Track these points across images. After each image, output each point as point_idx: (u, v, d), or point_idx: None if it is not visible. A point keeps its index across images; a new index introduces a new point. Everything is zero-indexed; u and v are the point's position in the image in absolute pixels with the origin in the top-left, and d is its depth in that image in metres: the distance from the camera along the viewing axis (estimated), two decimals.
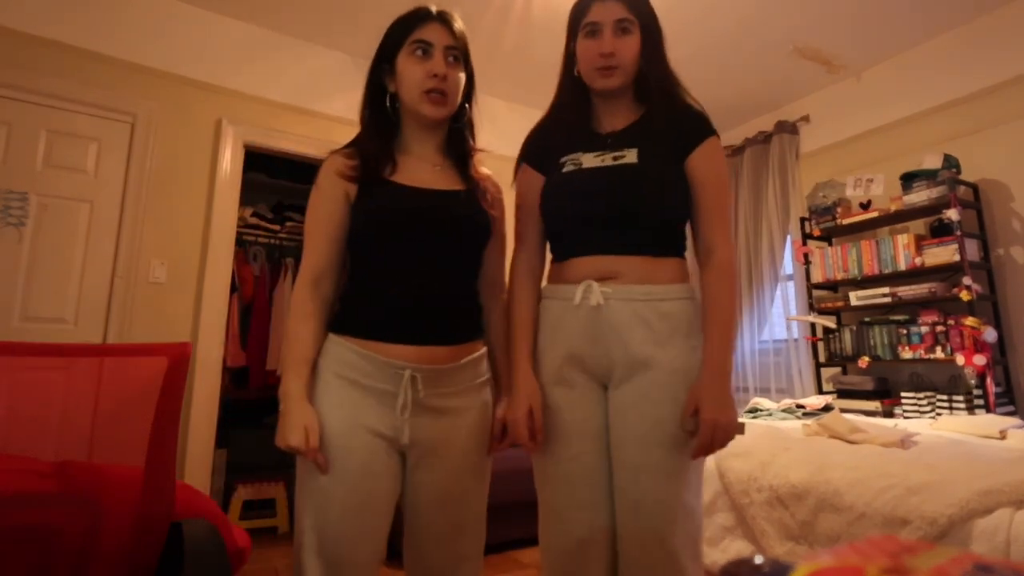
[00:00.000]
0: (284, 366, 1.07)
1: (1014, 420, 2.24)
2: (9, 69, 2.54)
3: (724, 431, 1.03)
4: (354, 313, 1.11)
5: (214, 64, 3.01)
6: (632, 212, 1.13)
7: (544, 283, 1.25)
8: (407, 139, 1.20)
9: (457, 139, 1.23)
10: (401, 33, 1.15)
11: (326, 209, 1.13)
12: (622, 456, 1.09)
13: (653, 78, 1.19)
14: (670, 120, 1.18)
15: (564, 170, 1.19)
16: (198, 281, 2.86)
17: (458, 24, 1.18)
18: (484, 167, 1.26)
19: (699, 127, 1.18)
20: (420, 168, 1.17)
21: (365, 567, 1.04)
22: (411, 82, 1.14)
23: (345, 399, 1.05)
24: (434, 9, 1.17)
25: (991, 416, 2.37)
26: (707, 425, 1.02)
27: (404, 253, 1.11)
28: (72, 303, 2.60)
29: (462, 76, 1.18)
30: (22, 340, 2.40)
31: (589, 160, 1.17)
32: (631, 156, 1.15)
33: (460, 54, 1.18)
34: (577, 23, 1.20)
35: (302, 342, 1.07)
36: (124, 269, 2.69)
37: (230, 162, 2.99)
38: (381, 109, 1.18)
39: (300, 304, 1.09)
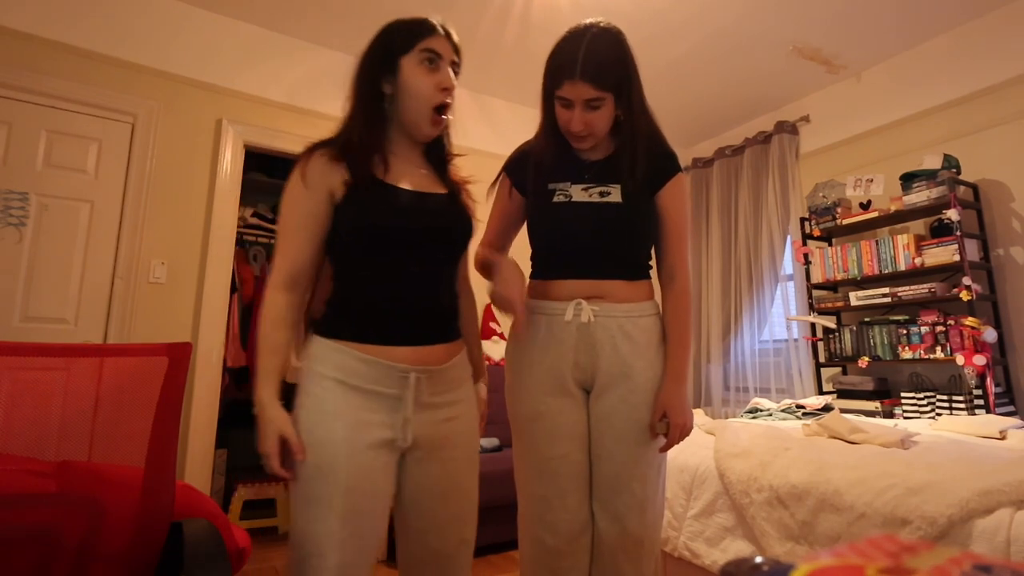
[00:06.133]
0: (259, 373, 1.05)
1: (1014, 420, 2.23)
2: (9, 69, 2.54)
3: (686, 430, 1.25)
4: (350, 317, 1.09)
5: (214, 64, 3.02)
6: (618, 248, 1.29)
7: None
8: (394, 141, 1.19)
9: (437, 144, 1.24)
10: (409, 39, 1.14)
11: (308, 206, 1.10)
12: (606, 452, 1.25)
13: (628, 124, 1.28)
14: (643, 156, 1.27)
15: (555, 199, 1.28)
16: (198, 281, 2.86)
17: (457, 39, 1.20)
18: (463, 170, 1.29)
19: (669, 165, 1.31)
20: (409, 171, 1.17)
21: (368, 571, 1.05)
22: (420, 93, 1.13)
23: (347, 405, 1.04)
24: (439, 23, 1.17)
25: (991, 416, 2.37)
26: (676, 427, 1.22)
27: (402, 256, 1.10)
28: (72, 303, 2.60)
29: None
30: (22, 340, 2.40)
31: (578, 193, 1.28)
32: (616, 194, 1.27)
33: (458, 68, 1.20)
34: (551, 86, 1.25)
35: (277, 350, 1.06)
36: (124, 269, 2.69)
37: (230, 162, 2.99)
38: (377, 109, 1.16)
39: (275, 308, 1.07)
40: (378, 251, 1.09)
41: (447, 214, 1.17)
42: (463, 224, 1.19)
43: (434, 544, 1.13)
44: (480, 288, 1.29)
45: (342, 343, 1.07)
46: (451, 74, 1.16)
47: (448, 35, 1.17)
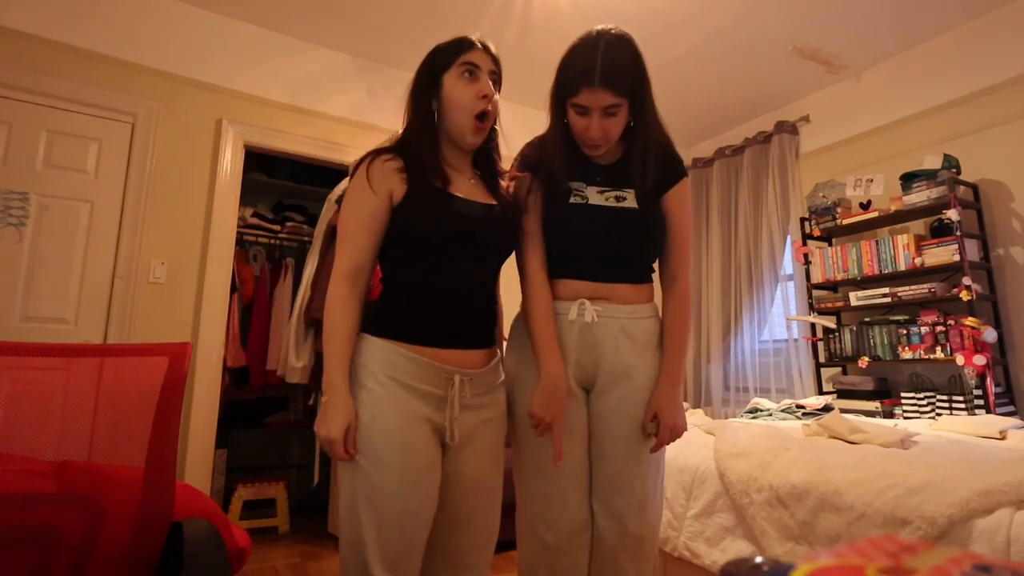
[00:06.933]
0: (329, 360, 1.11)
1: (1014, 420, 2.23)
2: (10, 69, 2.54)
3: (677, 432, 1.25)
4: (401, 318, 1.15)
5: (214, 64, 3.02)
6: (629, 252, 1.30)
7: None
8: (446, 153, 1.25)
9: (486, 158, 1.30)
10: (450, 55, 1.21)
11: (372, 206, 1.15)
12: (606, 451, 1.25)
13: (640, 129, 1.29)
14: (652, 160, 1.29)
15: (571, 200, 1.28)
16: (198, 281, 2.86)
17: (495, 51, 1.26)
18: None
19: (676, 170, 1.34)
20: (463, 181, 1.24)
21: (420, 558, 1.11)
22: (461, 104, 1.19)
23: (398, 399, 1.10)
24: (477, 38, 1.23)
25: (991, 416, 2.37)
26: (667, 428, 1.23)
27: (450, 260, 1.16)
28: (72, 303, 2.60)
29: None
30: (22, 340, 2.40)
31: (593, 195, 1.29)
32: (631, 200, 1.29)
33: (498, 79, 1.25)
34: (565, 92, 1.24)
35: (346, 336, 1.12)
36: (124, 269, 2.69)
37: (230, 162, 2.99)
38: (429, 123, 1.22)
39: (341, 298, 1.13)
40: (428, 254, 1.16)
41: (495, 224, 1.22)
42: (508, 235, 1.25)
43: (461, 537, 1.18)
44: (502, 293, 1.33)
45: (392, 342, 1.13)
46: (490, 83, 1.21)
47: (486, 48, 1.23)
